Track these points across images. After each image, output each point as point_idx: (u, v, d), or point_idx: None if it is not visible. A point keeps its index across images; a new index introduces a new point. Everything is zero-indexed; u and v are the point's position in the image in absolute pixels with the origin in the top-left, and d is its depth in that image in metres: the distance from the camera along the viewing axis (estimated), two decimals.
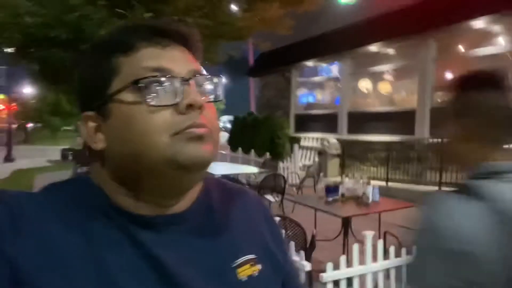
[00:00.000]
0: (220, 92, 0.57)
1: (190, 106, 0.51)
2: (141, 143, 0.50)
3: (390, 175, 8.72)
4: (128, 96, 0.51)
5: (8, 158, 11.44)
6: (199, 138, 0.51)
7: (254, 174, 7.31)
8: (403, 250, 2.79)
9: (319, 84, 13.87)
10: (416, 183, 8.18)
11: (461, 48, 8.99)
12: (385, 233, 3.71)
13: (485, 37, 8.27)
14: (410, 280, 0.88)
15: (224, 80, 0.62)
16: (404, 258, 2.68)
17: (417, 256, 0.87)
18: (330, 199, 4.25)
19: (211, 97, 0.56)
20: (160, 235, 0.53)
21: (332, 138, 10.45)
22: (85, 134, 0.54)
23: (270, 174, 6.59)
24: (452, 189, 0.90)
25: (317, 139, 11.57)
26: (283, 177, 6.58)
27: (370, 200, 4.26)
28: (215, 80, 0.57)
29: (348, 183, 4.65)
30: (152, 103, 0.50)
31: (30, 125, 28.28)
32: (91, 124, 0.54)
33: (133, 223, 0.52)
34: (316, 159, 10.49)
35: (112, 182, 0.54)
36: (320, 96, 13.92)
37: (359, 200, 4.30)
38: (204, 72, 0.57)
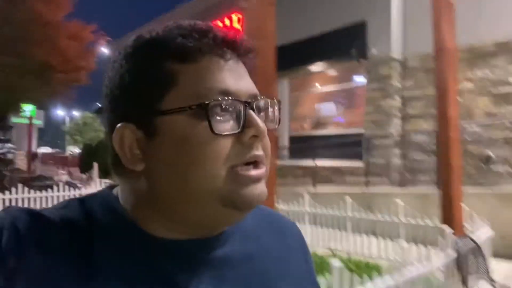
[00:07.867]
0: (280, 117, 0.52)
1: (254, 137, 0.46)
2: (195, 171, 0.44)
3: None
4: (186, 116, 0.44)
5: None
6: (257, 180, 0.46)
7: None
8: None
9: None
10: None
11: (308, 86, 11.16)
12: None
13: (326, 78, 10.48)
14: None
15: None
16: None
17: None
18: None
19: (271, 123, 0.51)
20: (188, 262, 0.48)
21: None
22: (121, 150, 0.46)
23: None
24: None
25: None
26: None
27: None
28: (276, 103, 0.51)
29: None
30: (217, 131, 0.44)
31: None
32: (129, 139, 0.46)
33: (157, 249, 0.47)
34: None
35: (143, 205, 0.47)
36: None
37: None
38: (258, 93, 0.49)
